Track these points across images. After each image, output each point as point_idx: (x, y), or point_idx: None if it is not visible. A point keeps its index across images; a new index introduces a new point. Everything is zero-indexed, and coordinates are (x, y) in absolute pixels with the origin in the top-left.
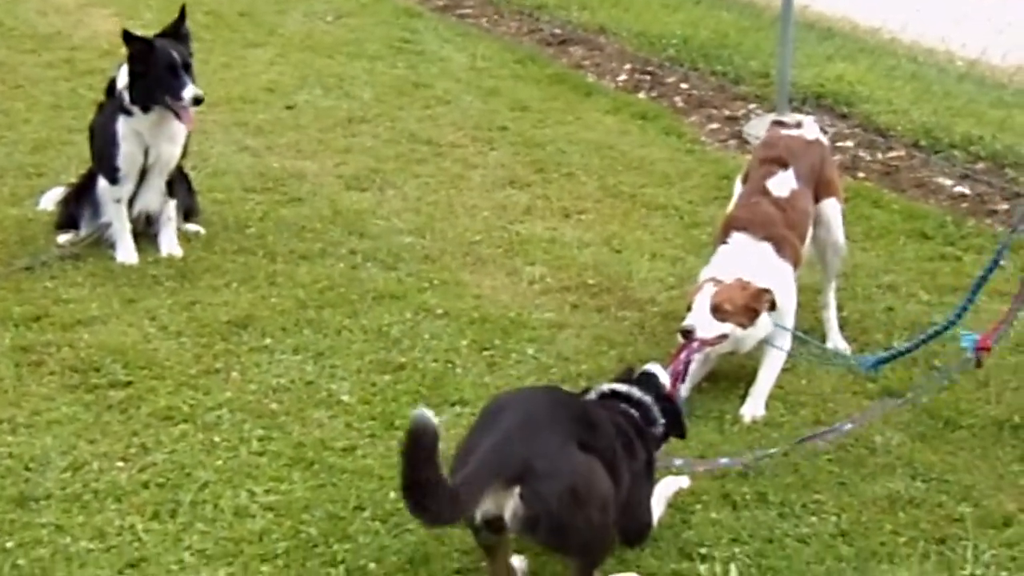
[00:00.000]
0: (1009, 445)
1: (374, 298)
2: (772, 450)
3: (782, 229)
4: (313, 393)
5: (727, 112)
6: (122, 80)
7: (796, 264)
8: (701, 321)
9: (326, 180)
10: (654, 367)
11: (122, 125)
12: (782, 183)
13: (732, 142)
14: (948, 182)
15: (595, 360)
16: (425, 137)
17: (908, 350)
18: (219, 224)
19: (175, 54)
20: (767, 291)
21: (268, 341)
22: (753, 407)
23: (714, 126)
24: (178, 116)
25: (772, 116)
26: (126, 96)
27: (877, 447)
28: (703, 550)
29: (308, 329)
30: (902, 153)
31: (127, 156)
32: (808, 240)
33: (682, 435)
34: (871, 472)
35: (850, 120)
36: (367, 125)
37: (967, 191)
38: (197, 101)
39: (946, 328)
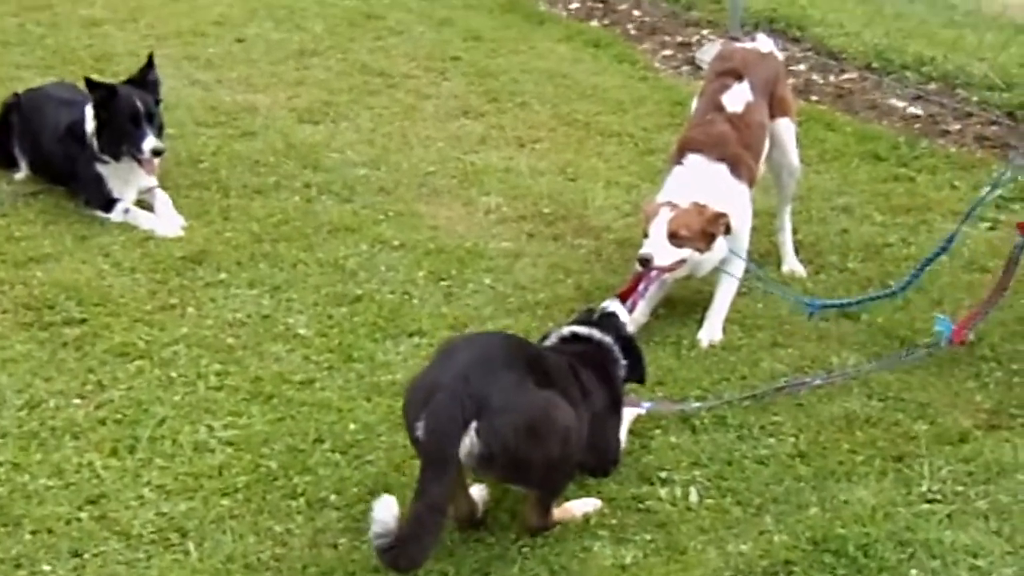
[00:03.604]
0: (964, 363)
1: (329, 231)
2: (755, 390)
3: (737, 148)
4: (270, 327)
5: (680, 38)
6: (89, 124)
7: (752, 183)
8: (658, 248)
9: (279, 113)
10: (613, 305)
11: (102, 169)
12: (737, 96)
13: (685, 68)
14: (901, 103)
15: (552, 288)
16: (378, 68)
17: (851, 304)
18: (171, 159)
19: (138, 103)
20: (723, 215)
21: (223, 276)
22: (710, 331)
23: (667, 52)
24: (140, 164)
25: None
26: (95, 144)
27: (834, 368)
28: (663, 474)
29: (264, 263)
30: (855, 75)
31: (116, 190)
32: (764, 157)
33: (641, 380)
34: (828, 393)
35: (803, 43)
36: (319, 58)
37: (919, 112)
38: (156, 153)
39: (892, 294)
